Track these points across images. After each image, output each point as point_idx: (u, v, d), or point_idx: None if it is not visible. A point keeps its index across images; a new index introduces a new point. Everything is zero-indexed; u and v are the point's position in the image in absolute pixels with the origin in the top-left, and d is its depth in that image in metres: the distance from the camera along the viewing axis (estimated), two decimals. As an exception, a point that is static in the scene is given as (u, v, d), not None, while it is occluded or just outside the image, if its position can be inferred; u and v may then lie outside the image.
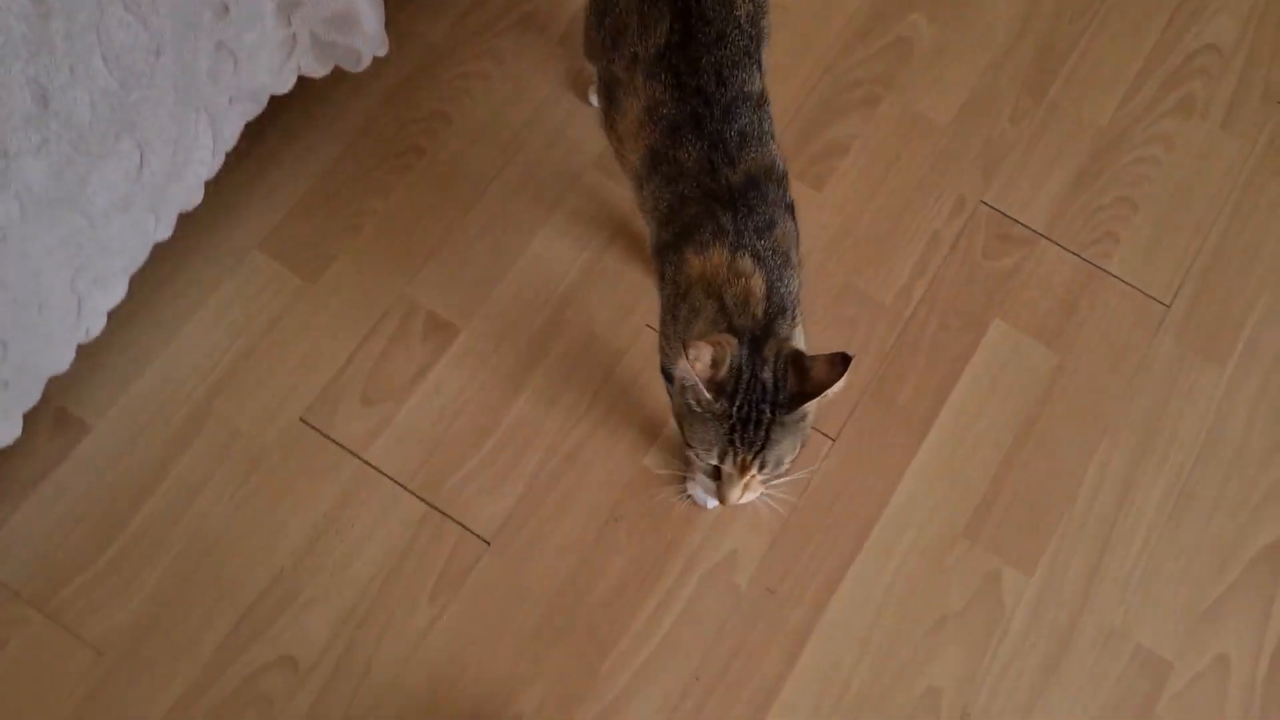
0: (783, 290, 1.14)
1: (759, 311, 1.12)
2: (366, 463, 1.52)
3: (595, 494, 1.52)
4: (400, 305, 1.60)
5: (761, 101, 1.21)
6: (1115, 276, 1.68)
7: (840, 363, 1.06)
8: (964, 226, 1.70)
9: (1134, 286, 1.68)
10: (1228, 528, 1.55)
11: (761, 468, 1.11)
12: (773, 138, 1.22)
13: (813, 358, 1.09)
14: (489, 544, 1.49)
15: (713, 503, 1.16)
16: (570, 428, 1.55)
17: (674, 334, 1.22)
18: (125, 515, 1.47)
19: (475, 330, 1.60)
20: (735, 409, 1.07)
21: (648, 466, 1.53)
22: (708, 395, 1.07)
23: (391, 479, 1.51)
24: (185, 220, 1.46)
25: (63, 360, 1.28)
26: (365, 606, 1.45)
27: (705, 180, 1.15)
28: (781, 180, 1.20)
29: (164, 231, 1.35)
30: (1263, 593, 1.52)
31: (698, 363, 1.05)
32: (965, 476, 1.56)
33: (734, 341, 1.09)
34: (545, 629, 1.46)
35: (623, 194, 1.66)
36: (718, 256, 1.14)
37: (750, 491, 1.15)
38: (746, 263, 1.13)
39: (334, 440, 1.52)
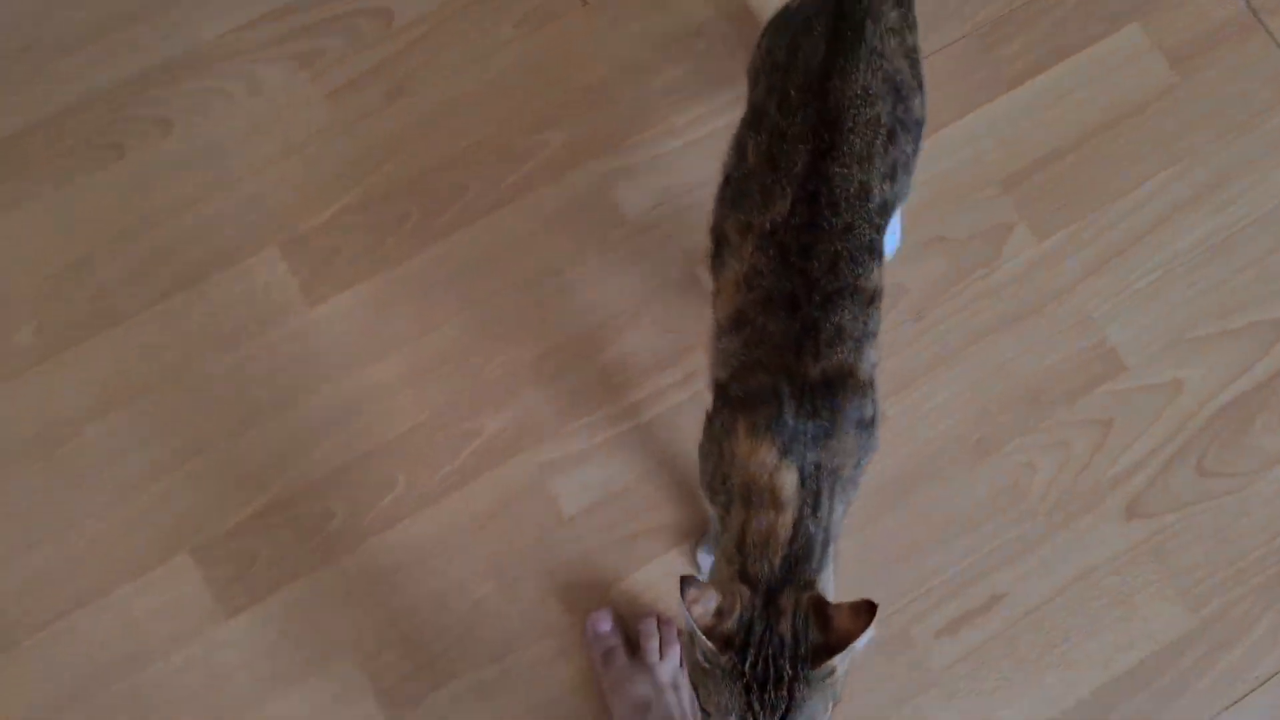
0: (812, 530, 1.04)
1: (776, 560, 1.02)
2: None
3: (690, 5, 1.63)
4: None
5: (873, 298, 1.11)
6: (1271, 34, 1.64)
7: (866, 611, 0.95)
8: (1149, -69, 1.68)
9: (1286, 50, 1.63)
10: (1251, 288, 1.55)
11: None
12: (874, 337, 1.12)
13: (836, 606, 0.98)
14: (586, 2, 1.63)
15: None
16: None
17: (703, 480, 1.18)
18: None
19: None
20: (749, 666, 0.96)
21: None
22: (710, 646, 0.96)
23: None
24: None
25: None
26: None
27: (788, 358, 1.07)
28: (861, 389, 1.09)
29: None
30: (1250, 352, 1.52)
31: (696, 605, 0.96)
32: (1028, 137, 1.59)
33: (747, 594, 1.00)
34: (595, 92, 1.60)
35: None
36: (766, 453, 1.05)
37: None
38: (785, 483, 1.04)
39: None
